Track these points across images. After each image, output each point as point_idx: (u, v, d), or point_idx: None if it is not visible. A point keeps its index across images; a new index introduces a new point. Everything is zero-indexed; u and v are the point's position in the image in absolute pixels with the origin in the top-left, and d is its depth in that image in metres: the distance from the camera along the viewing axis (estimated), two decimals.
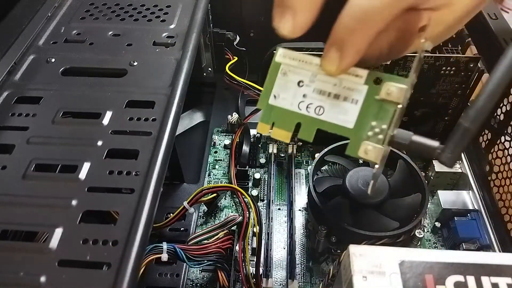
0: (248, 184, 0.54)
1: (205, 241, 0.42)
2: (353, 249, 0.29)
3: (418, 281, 0.27)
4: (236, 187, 0.48)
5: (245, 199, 0.48)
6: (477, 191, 0.47)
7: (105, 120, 0.32)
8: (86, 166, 0.29)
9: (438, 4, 0.25)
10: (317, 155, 0.46)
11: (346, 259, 0.29)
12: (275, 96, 0.26)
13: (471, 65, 0.46)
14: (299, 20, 0.23)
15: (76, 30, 0.42)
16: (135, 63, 0.37)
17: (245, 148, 0.54)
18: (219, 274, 0.41)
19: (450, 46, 0.49)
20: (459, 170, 0.50)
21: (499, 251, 0.42)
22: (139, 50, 0.39)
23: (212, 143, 0.59)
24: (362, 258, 0.28)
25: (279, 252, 0.48)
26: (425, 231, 0.48)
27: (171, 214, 0.45)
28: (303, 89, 0.26)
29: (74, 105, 0.34)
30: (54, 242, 0.25)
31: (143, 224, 0.26)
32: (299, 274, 0.45)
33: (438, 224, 0.48)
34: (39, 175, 0.29)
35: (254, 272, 0.42)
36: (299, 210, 0.51)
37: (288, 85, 0.26)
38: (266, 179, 0.54)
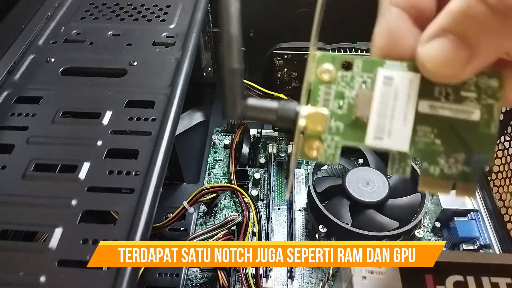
0: (248, 184, 0.54)
1: (205, 241, 0.42)
2: None
3: (418, 281, 0.27)
4: (236, 187, 0.48)
5: (245, 199, 0.48)
6: (477, 191, 0.47)
7: (105, 120, 0.32)
8: (86, 166, 0.29)
9: None
10: None
11: None
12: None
13: None
14: (475, 64, 0.16)
15: (76, 30, 0.42)
16: (135, 63, 0.37)
17: (245, 148, 0.54)
18: (219, 274, 0.41)
19: None
20: None
21: (499, 251, 0.42)
22: (139, 50, 0.39)
23: (212, 143, 0.59)
24: None
25: None
26: (425, 231, 0.48)
27: (171, 214, 0.45)
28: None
29: (74, 105, 0.34)
30: (54, 242, 0.25)
31: (143, 224, 0.26)
32: (299, 274, 0.45)
33: (437, 224, 0.48)
34: (39, 175, 0.29)
35: (254, 272, 0.42)
36: (299, 210, 0.51)
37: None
38: (266, 179, 0.54)
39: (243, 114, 0.18)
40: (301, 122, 0.18)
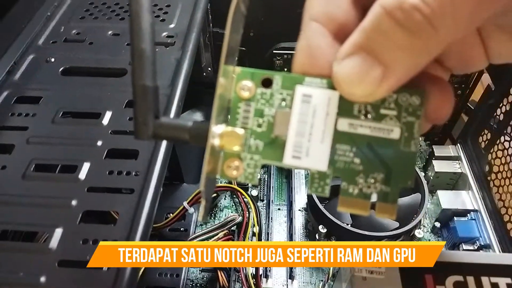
0: (248, 184, 0.54)
1: (205, 241, 0.42)
2: None
3: (418, 281, 0.27)
4: (236, 187, 0.48)
5: (244, 199, 0.48)
6: (477, 191, 0.47)
7: (105, 120, 0.32)
8: (86, 166, 0.29)
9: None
10: None
11: None
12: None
13: None
14: (389, 82, 0.16)
15: (76, 29, 0.42)
16: None
17: None
18: (219, 274, 0.41)
19: None
20: (459, 170, 0.50)
21: (499, 251, 0.42)
22: None
23: None
24: None
25: None
26: (425, 231, 0.48)
27: (171, 214, 0.45)
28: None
29: (74, 105, 0.34)
30: (54, 242, 0.25)
31: (143, 224, 0.26)
32: (299, 274, 0.45)
33: (437, 224, 0.48)
34: (39, 175, 0.29)
35: (254, 272, 0.42)
36: (299, 210, 0.51)
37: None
38: (266, 179, 0.54)
39: (156, 133, 0.18)
40: (216, 142, 0.17)
